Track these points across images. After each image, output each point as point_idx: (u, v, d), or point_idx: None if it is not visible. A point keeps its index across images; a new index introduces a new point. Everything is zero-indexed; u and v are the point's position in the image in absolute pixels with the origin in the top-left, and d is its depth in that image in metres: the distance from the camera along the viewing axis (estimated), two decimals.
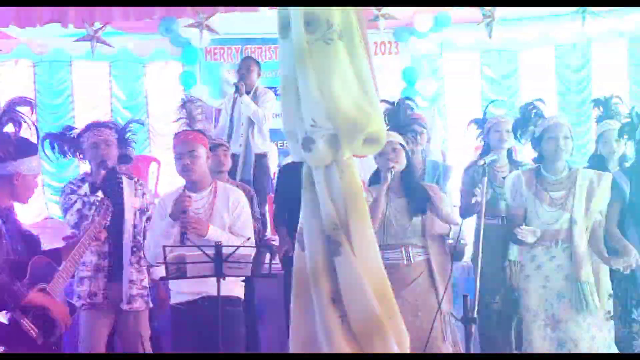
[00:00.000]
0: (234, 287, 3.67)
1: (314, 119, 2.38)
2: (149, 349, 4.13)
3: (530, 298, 3.92)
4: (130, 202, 4.07)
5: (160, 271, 3.91)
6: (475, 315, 3.24)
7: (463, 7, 7.09)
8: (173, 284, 3.69)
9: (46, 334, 3.19)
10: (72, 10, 6.40)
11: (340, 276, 2.45)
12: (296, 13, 2.38)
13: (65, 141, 4.12)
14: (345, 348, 2.42)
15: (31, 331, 3.12)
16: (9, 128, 3.34)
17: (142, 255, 4.03)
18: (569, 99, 8.66)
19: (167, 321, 4.35)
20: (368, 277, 2.44)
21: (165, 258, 3.35)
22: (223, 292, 3.39)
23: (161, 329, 4.62)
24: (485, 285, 4.41)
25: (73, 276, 3.79)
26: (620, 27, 7.92)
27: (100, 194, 3.84)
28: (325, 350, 2.44)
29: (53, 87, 8.94)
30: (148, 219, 4.12)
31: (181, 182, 3.80)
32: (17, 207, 3.52)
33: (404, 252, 3.83)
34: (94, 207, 3.80)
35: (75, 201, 3.93)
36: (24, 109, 3.42)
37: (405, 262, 3.83)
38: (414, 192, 3.82)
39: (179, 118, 3.97)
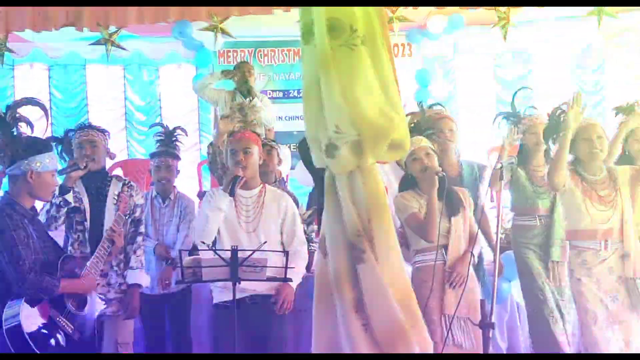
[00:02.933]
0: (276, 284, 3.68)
1: (338, 125, 2.37)
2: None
3: (587, 300, 3.88)
4: (112, 204, 4.00)
5: (135, 276, 3.96)
6: (493, 320, 3.22)
7: (477, 9, 7.04)
8: (217, 282, 3.68)
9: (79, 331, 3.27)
10: (87, 14, 6.40)
11: (363, 283, 2.44)
12: (319, 19, 2.37)
13: (63, 144, 4.14)
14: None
15: (67, 327, 3.20)
16: (22, 128, 3.40)
17: (122, 259, 4.01)
18: (584, 100, 8.57)
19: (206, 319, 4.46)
20: (391, 284, 2.43)
21: (181, 262, 3.37)
22: (268, 291, 3.55)
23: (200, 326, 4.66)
24: (528, 287, 4.44)
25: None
26: (637, 28, 7.84)
27: (69, 196, 3.85)
28: None
29: (68, 90, 8.99)
30: (134, 221, 4.06)
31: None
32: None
33: (446, 254, 3.79)
34: (62, 209, 3.83)
35: (47, 203, 3.87)
36: (31, 109, 3.48)
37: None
38: (448, 195, 3.79)
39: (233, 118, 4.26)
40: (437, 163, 3.83)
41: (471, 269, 3.85)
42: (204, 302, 4.64)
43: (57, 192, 3.81)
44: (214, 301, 3.80)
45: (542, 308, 4.40)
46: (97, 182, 4.01)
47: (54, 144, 4.07)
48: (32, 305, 3.13)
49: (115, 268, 4.00)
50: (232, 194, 3.65)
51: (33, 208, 3.41)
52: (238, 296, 3.51)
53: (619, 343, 3.80)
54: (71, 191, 3.87)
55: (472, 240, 3.90)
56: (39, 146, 3.34)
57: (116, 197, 3.95)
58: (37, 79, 8.91)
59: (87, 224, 3.94)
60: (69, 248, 3.91)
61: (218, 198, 3.68)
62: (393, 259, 2.48)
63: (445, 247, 3.76)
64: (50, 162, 3.35)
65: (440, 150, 4.10)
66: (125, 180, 4.20)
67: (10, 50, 7.03)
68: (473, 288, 3.80)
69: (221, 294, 3.70)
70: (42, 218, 3.82)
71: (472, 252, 3.79)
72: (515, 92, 4.98)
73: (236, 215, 3.71)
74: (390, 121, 2.40)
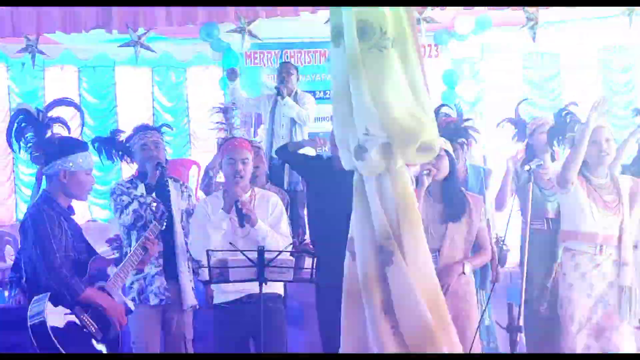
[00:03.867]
0: (275, 284, 3.69)
1: (367, 127, 2.37)
2: (190, 351, 4.16)
3: (575, 308, 3.84)
4: (178, 204, 4.11)
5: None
6: (521, 323, 3.19)
7: (504, 9, 6.99)
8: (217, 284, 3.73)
9: (103, 331, 3.28)
10: (116, 16, 6.48)
11: (392, 286, 2.43)
12: (349, 21, 2.37)
13: (114, 145, 4.19)
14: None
15: (91, 327, 3.22)
16: (56, 129, 3.45)
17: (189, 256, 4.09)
18: (615, 101, 8.47)
19: (207, 322, 4.43)
20: (421, 287, 2.41)
21: (209, 262, 3.40)
22: (266, 290, 3.47)
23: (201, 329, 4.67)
24: (532, 292, 4.38)
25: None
26: None
27: (154, 195, 3.94)
28: None
29: (97, 91, 9.12)
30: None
31: None
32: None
33: (438, 257, 3.76)
34: (149, 208, 3.90)
35: (131, 202, 3.96)
36: (64, 109, 3.53)
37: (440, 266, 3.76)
38: (452, 199, 3.76)
39: (218, 123, 4.07)
40: (446, 166, 3.75)
41: (471, 277, 3.79)
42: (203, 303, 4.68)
43: (144, 192, 3.94)
44: (213, 302, 3.85)
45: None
46: (159, 183, 4.04)
47: (97, 143, 4.16)
48: (55, 305, 3.15)
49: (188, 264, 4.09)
50: (241, 224, 3.67)
51: (70, 207, 3.45)
52: (235, 296, 3.62)
53: (597, 351, 3.76)
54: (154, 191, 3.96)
55: (482, 252, 3.85)
56: (72, 146, 3.39)
57: (181, 194, 4.08)
58: (67, 81, 9.05)
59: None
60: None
61: (219, 218, 3.69)
62: (422, 262, 2.46)
63: (438, 251, 3.69)
64: (83, 161, 3.37)
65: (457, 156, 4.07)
66: (180, 181, 4.29)
67: (41, 52, 7.15)
68: (465, 296, 3.72)
69: (219, 295, 3.77)
70: (129, 217, 3.93)
71: (464, 262, 3.71)
72: (519, 103, 4.95)
73: (230, 223, 3.71)
74: (420, 123, 2.39)
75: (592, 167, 3.90)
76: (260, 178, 4.58)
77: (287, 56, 8.19)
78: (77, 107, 3.58)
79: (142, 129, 4.19)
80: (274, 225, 3.78)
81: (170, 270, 4.03)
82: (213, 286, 3.83)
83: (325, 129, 7.13)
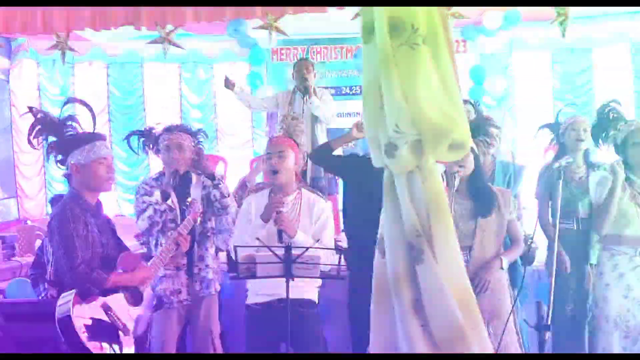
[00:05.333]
0: (308, 290, 3.70)
1: (398, 124, 2.34)
2: (219, 347, 4.16)
3: (611, 308, 3.79)
4: (197, 195, 4.06)
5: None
6: (549, 322, 3.15)
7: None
8: (252, 285, 3.75)
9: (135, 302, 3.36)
10: (145, 13, 6.54)
11: (422, 284, 2.41)
12: (380, 17, 2.35)
13: (149, 138, 4.23)
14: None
15: (118, 322, 3.26)
16: (70, 129, 3.48)
17: (213, 242, 4.13)
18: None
19: (238, 320, 4.45)
20: (451, 285, 2.39)
21: (236, 258, 3.42)
22: (296, 295, 3.45)
23: (231, 326, 4.70)
24: (559, 291, 4.33)
25: None
26: None
27: (171, 200, 3.95)
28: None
29: (125, 88, 9.21)
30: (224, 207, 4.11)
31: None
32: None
33: (470, 254, 3.73)
34: (164, 214, 3.93)
35: (147, 208, 3.98)
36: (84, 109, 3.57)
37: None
38: (480, 194, 3.71)
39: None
40: (471, 162, 3.70)
41: (503, 274, 3.73)
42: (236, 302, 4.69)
43: (159, 199, 3.94)
44: (247, 302, 3.85)
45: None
46: (184, 181, 4.05)
47: (137, 136, 4.22)
48: (83, 298, 3.19)
49: (211, 250, 4.11)
50: (279, 239, 3.59)
51: (98, 204, 3.49)
52: (266, 299, 3.61)
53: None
54: (170, 197, 3.97)
55: (514, 246, 3.80)
56: (77, 140, 3.41)
57: (201, 186, 4.05)
58: (96, 77, 9.16)
59: (179, 221, 3.96)
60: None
61: (256, 228, 3.67)
62: (453, 260, 2.44)
63: (470, 248, 3.65)
64: (91, 151, 3.36)
65: (482, 152, 4.03)
66: (202, 175, 4.22)
67: (70, 49, 7.23)
68: (501, 294, 3.67)
69: (253, 295, 3.76)
70: (145, 223, 3.96)
71: (502, 258, 3.66)
72: (559, 111, 4.86)
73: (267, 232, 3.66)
74: (452, 121, 2.36)
75: (635, 169, 3.84)
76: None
77: (314, 52, 8.20)
78: (86, 104, 3.57)
79: (168, 129, 4.18)
80: (316, 234, 3.71)
81: (188, 266, 4.02)
82: (247, 286, 3.83)
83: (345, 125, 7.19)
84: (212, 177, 4.13)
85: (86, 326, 3.13)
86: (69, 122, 3.44)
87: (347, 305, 4.32)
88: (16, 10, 6.75)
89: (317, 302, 3.83)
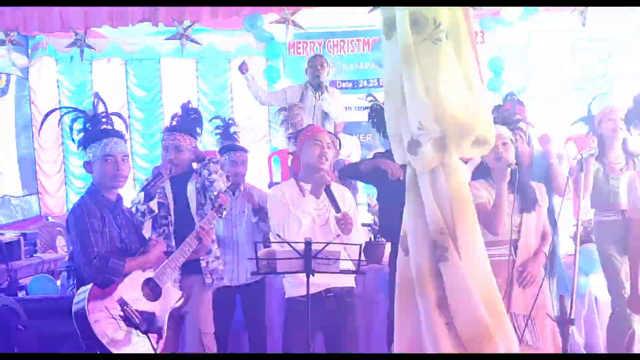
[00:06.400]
0: (348, 277, 3.72)
1: (421, 121, 2.32)
2: (211, 345, 4.05)
3: None
4: (192, 190, 4.06)
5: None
6: (572, 316, 3.12)
7: None
8: (290, 278, 3.73)
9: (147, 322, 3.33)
10: (162, 10, 6.57)
11: (446, 282, 2.39)
12: (402, 13, 2.32)
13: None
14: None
15: (135, 318, 3.26)
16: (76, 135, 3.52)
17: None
18: None
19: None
20: (475, 283, 2.37)
21: (256, 254, 3.42)
22: (341, 284, 3.65)
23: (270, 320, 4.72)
24: (610, 285, 4.31)
25: None
26: None
27: (153, 204, 3.94)
28: None
29: (143, 84, 9.24)
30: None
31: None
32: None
33: (515, 248, 3.68)
34: (146, 216, 3.92)
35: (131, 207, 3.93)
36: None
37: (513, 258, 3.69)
38: (523, 189, 3.68)
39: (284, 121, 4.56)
40: (513, 154, 3.70)
41: (543, 269, 3.71)
42: (275, 296, 4.72)
43: (142, 200, 3.92)
44: (286, 295, 3.84)
45: (624, 304, 4.26)
46: (182, 178, 4.06)
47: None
48: (102, 288, 3.20)
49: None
50: (337, 209, 3.71)
51: (118, 198, 3.49)
52: (312, 291, 3.51)
53: None
54: (155, 198, 3.96)
55: (545, 239, 3.78)
56: (86, 140, 3.43)
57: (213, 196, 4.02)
58: (114, 74, 9.20)
59: (172, 218, 4.00)
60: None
61: (308, 203, 3.74)
62: (477, 257, 2.41)
63: (515, 242, 3.64)
64: (99, 149, 3.38)
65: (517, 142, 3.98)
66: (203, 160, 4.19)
67: (89, 46, 7.26)
68: (544, 289, 3.66)
69: (293, 288, 3.74)
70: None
71: (545, 252, 3.67)
72: (592, 100, 4.80)
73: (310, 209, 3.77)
74: (475, 117, 2.34)
75: None
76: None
77: (331, 45, 8.16)
78: (99, 99, 3.57)
79: (167, 129, 4.16)
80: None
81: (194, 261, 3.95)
82: (284, 281, 3.84)
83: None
84: (202, 158, 4.13)
85: (101, 321, 3.14)
86: (103, 119, 3.47)
87: (390, 298, 4.28)
88: (34, 8, 6.80)
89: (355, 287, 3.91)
